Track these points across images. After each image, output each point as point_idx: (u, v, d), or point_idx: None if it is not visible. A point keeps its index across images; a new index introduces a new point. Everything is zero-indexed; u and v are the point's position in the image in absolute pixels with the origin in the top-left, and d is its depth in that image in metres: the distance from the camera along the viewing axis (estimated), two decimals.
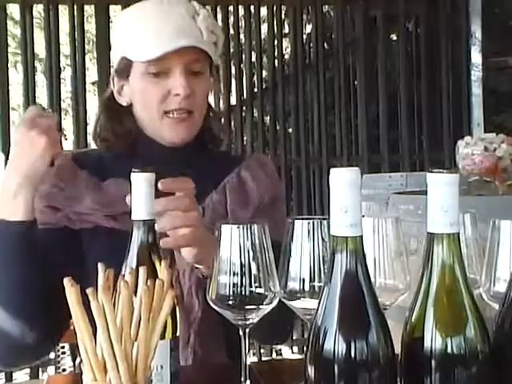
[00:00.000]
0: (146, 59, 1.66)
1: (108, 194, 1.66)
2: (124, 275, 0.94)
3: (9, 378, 4.41)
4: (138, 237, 1.25)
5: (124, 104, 1.76)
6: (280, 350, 5.12)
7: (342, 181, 0.92)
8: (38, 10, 4.82)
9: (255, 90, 5.05)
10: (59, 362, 4.40)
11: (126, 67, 1.72)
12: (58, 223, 1.66)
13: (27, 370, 4.68)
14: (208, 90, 1.78)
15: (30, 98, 4.68)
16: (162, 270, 1.02)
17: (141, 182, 1.24)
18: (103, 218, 1.65)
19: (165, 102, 1.68)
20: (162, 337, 0.95)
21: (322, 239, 1.17)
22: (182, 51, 1.64)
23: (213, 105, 1.92)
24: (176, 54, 1.64)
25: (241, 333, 1.24)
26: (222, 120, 2.16)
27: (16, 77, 4.79)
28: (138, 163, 1.64)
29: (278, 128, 5.03)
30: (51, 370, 4.49)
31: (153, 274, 0.94)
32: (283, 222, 1.56)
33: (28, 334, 1.57)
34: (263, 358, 4.82)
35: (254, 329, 1.23)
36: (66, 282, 0.87)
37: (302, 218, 1.20)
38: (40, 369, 4.63)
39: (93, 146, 1.91)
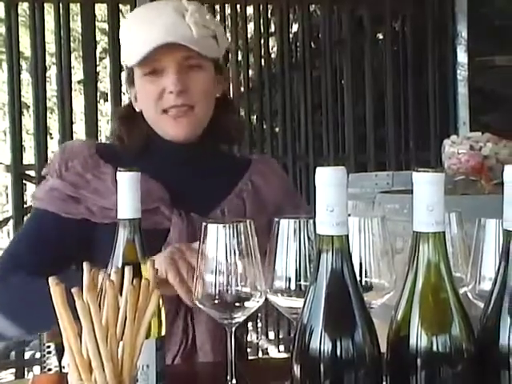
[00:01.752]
0: (136, 61, 1.68)
1: None
2: (109, 274, 0.93)
3: None
4: (123, 236, 1.25)
5: (138, 110, 1.80)
6: (266, 348, 5.13)
7: (328, 180, 0.92)
8: (23, 8, 4.81)
9: (242, 89, 5.05)
10: (45, 362, 4.39)
11: (130, 74, 1.78)
12: (77, 215, 1.68)
13: (12, 370, 4.68)
14: (208, 83, 1.77)
15: (15, 96, 4.66)
16: (147, 269, 1.02)
17: (126, 180, 1.24)
18: None
19: (161, 100, 1.71)
20: (148, 336, 0.94)
21: (308, 238, 1.17)
22: (173, 49, 1.66)
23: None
24: (166, 53, 1.66)
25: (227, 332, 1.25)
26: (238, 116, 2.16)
27: (0, 75, 4.77)
28: (158, 163, 1.69)
29: (264, 127, 5.03)
30: (37, 369, 4.49)
31: (138, 274, 0.94)
32: (309, 211, 1.60)
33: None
34: (249, 357, 4.82)
35: None
36: (51, 280, 0.87)
37: (288, 217, 1.20)
38: (26, 368, 4.63)
39: None
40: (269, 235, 1.22)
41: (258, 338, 5.14)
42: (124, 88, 4.41)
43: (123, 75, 1.85)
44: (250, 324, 4.76)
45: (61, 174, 1.71)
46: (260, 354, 5.06)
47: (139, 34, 1.69)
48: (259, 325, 5.12)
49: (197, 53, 1.69)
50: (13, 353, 4.61)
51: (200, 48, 1.69)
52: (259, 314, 4.75)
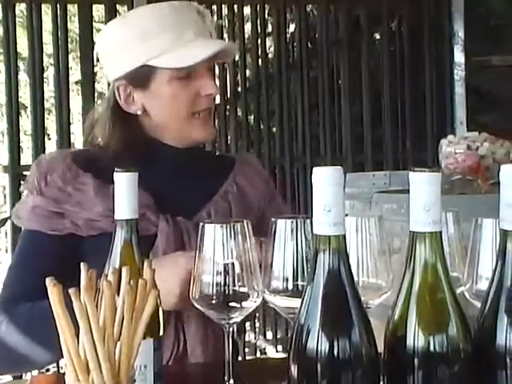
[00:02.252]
0: (182, 65, 1.67)
1: None
2: (107, 275, 0.93)
3: None
4: (120, 236, 1.25)
5: (138, 112, 1.76)
6: (264, 348, 5.13)
7: (325, 180, 0.92)
8: (21, 8, 4.79)
9: (239, 89, 5.04)
10: None
11: (146, 75, 1.71)
12: (63, 230, 1.65)
13: None
14: None
15: (12, 97, 4.66)
16: (145, 269, 1.01)
17: (123, 181, 1.24)
18: (112, 223, 1.61)
19: (195, 103, 1.71)
20: (145, 336, 0.94)
21: (305, 238, 1.17)
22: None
23: None
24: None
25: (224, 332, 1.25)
26: None
27: None
28: (144, 169, 1.66)
29: (261, 127, 5.02)
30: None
31: (136, 274, 0.94)
32: (288, 211, 1.58)
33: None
34: (247, 357, 4.83)
35: None
36: (48, 281, 0.87)
37: (286, 217, 1.20)
38: None
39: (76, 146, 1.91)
40: (255, 236, 1.23)
41: (255, 337, 5.14)
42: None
43: (119, 78, 1.74)
44: (247, 324, 4.76)
45: (41, 190, 1.67)
46: (258, 354, 5.06)
47: (173, 37, 1.67)
48: (257, 325, 5.12)
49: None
50: None
51: (234, 49, 1.79)
52: (257, 314, 4.75)
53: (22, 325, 1.58)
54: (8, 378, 4.58)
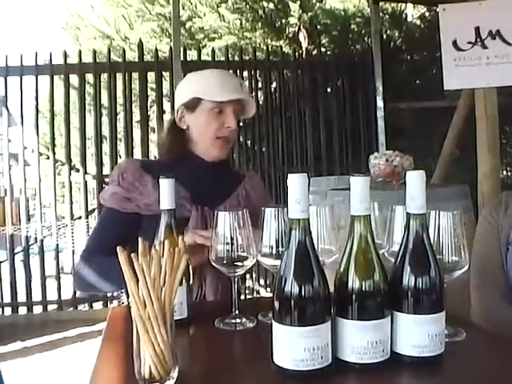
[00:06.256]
0: (218, 100, 1.64)
1: None
2: (155, 245, 0.93)
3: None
4: (164, 220, 1.25)
5: (184, 127, 1.72)
6: (258, 290, 5.13)
7: (296, 182, 0.91)
8: (104, 76, 4.84)
9: (241, 123, 5.05)
10: (120, 299, 4.41)
11: (195, 104, 1.68)
12: (129, 209, 1.63)
13: (101, 302, 4.75)
14: None
15: (97, 131, 4.73)
16: (179, 241, 1.01)
17: (166, 184, 1.24)
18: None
19: (219, 131, 1.66)
20: (181, 284, 0.94)
21: (284, 220, 1.16)
22: (236, 101, 1.66)
23: None
24: (233, 102, 1.64)
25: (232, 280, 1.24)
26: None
27: (89, 118, 4.80)
28: (184, 173, 1.63)
29: (255, 148, 5.03)
30: (115, 302, 4.51)
31: (174, 245, 0.93)
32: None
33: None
34: (247, 297, 4.83)
35: None
36: (119, 249, 0.86)
37: (271, 207, 1.19)
38: (108, 302, 4.67)
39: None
40: (254, 225, 1.21)
41: (253, 283, 5.14)
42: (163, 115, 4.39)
43: (180, 104, 1.72)
44: (247, 275, 4.76)
45: (119, 182, 1.65)
46: (254, 294, 5.06)
47: (219, 83, 1.65)
48: (254, 275, 5.12)
49: (243, 105, 1.69)
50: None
51: (251, 106, 1.72)
52: (253, 268, 4.75)
53: (97, 267, 1.57)
54: (99, 305, 4.56)
